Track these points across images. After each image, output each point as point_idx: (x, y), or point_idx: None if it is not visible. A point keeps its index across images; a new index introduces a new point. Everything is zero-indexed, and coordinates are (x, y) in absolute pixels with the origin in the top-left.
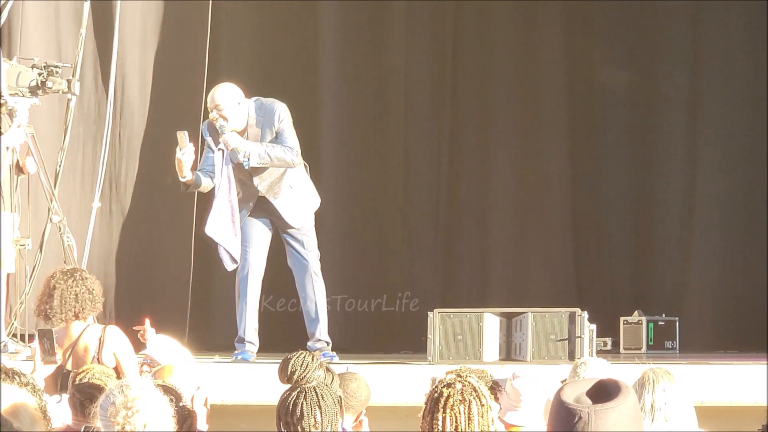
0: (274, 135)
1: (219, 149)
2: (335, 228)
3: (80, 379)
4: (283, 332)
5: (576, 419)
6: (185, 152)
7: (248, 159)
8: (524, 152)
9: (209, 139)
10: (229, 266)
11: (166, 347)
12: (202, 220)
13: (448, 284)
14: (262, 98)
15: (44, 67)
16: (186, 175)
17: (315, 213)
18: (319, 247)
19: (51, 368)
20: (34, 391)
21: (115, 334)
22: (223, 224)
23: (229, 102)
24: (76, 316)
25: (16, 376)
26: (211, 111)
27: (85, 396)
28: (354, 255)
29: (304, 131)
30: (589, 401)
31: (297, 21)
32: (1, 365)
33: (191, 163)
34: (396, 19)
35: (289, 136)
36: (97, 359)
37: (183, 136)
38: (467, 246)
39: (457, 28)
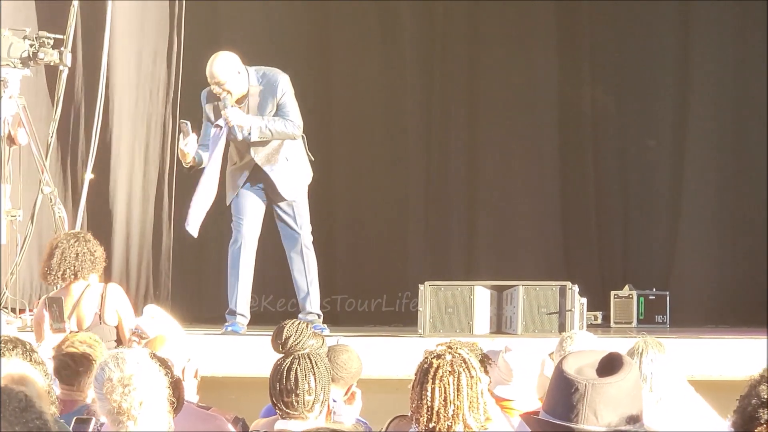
0: (275, 107)
1: (217, 125)
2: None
3: (64, 348)
4: None
5: (573, 390)
6: (188, 142)
7: (249, 134)
8: (512, 126)
9: (207, 108)
10: (191, 230)
11: (157, 319)
12: (182, 193)
13: (437, 258)
14: (264, 67)
15: (36, 38)
16: (189, 162)
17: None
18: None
19: (59, 337)
20: (37, 365)
21: (116, 291)
22: (207, 196)
23: (230, 74)
24: (75, 275)
25: (20, 345)
26: (213, 86)
27: (62, 365)
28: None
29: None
30: (590, 374)
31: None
32: (7, 336)
33: (194, 152)
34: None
35: (291, 109)
36: (100, 316)
37: (186, 127)
38: (457, 220)
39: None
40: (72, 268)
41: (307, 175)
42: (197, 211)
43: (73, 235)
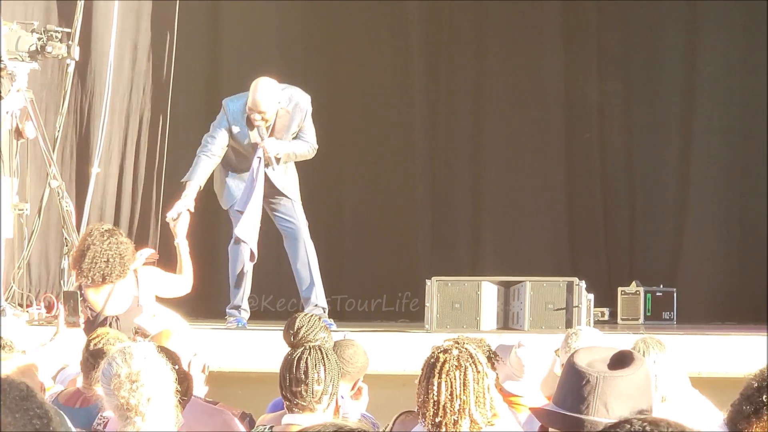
0: (299, 128)
1: (257, 156)
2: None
3: (95, 344)
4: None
5: (584, 382)
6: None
7: (278, 160)
8: (519, 123)
9: (235, 127)
10: (249, 264)
11: (158, 316)
12: (170, 191)
13: (443, 254)
14: (289, 87)
15: (44, 31)
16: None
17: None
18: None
19: (74, 332)
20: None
21: (146, 275)
22: (252, 227)
23: (273, 105)
24: (103, 280)
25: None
26: (252, 113)
27: (98, 361)
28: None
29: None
30: (601, 367)
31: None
32: None
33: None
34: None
35: (310, 132)
36: (137, 299)
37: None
38: (463, 215)
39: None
40: (101, 273)
41: (296, 175)
42: (252, 245)
43: (108, 234)
